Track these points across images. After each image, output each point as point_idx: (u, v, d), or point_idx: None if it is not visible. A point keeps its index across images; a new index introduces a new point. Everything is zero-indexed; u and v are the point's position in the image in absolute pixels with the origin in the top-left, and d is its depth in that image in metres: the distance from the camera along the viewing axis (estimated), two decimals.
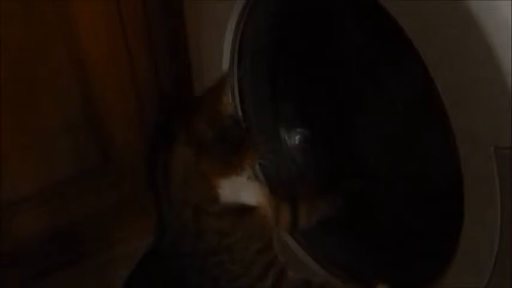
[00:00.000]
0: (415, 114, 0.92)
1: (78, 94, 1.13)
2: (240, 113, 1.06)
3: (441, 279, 0.81)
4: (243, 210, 0.79)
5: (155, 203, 0.81)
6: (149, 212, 1.31)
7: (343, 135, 1.05)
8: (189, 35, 1.12)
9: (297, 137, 1.11)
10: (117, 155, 1.22)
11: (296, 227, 0.93)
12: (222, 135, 0.76)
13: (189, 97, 0.90)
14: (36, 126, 1.12)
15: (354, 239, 1.00)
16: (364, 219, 0.98)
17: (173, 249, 0.79)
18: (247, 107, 1.08)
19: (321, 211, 0.95)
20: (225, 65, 1.04)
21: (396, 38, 0.73)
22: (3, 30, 0.99)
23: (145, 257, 0.86)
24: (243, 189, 0.79)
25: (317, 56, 1.03)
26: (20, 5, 1.00)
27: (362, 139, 1.03)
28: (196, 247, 0.77)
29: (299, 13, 0.99)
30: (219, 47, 1.02)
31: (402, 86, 0.93)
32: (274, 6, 0.99)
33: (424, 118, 0.89)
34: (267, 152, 0.96)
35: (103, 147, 1.20)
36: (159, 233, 0.81)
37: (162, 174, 0.77)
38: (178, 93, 1.22)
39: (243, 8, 0.97)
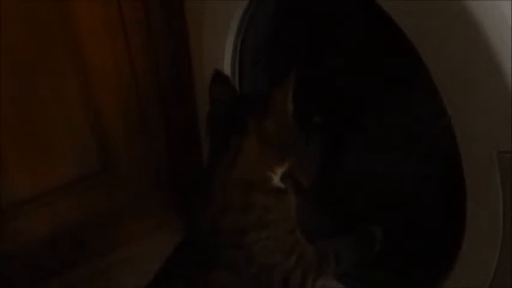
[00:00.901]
0: (416, 117, 0.92)
1: (79, 97, 1.13)
2: None
3: (444, 281, 0.81)
4: (284, 192, 0.88)
5: (202, 185, 0.89)
6: (148, 216, 1.32)
7: (345, 136, 1.05)
8: (190, 36, 1.12)
9: None
10: (117, 158, 1.22)
11: None
12: (285, 133, 0.86)
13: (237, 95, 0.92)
14: (37, 129, 1.11)
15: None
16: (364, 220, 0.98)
17: (212, 227, 0.86)
18: None
19: None
20: (227, 66, 1.03)
21: (397, 41, 0.72)
22: (4, 34, 0.99)
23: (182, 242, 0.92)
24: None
25: (317, 57, 1.03)
26: (21, 8, 1.00)
27: (365, 147, 1.03)
28: (238, 224, 0.85)
29: (301, 15, 0.98)
30: (220, 48, 1.02)
31: (405, 91, 0.93)
32: (277, 8, 0.98)
33: (427, 121, 0.89)
34: None
35: (104, 150, 1.20)
36: (199, 213, 0.88)
37: (230, 159, 0.85)
38: (179, 94, 1.22)
39: (245, 8, 0.97)
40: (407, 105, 0.93)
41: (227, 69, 1.04)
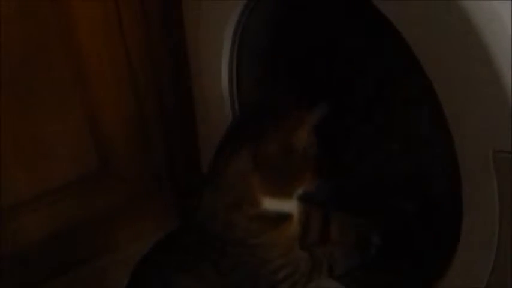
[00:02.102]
0: (414, 115, 0.92)
1: (77, 97, 1.13)
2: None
3: (440, 280, 0.81)
4: (276, 220, 0.83)
5: (202, 182, 0.88)
6: (147, 217, 1.32)
7: (342, 137, 1.05)
8: (188, 36, 1.12)
9: None
10: (116, 159, 1.22)
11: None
12: (287, 162, 0.80)
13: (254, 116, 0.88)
14: (35, 129, 1.11)
15: None
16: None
17: (201, 228, 0.85)
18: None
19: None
20: (224, 66, 1.04)
21: (394, 41, 0.73)
22: (1, 32, 0.99)
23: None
24: (285, 205, 0.84)
25: (316, 56, 1.04)
26: (17, 6, 1.00)
27: (361, 143, 1.03)
28: (221, 235, 0.83)
29: (298, 14, 0.99)
30: (217, 49, 1.02)
31: (401, 88, 0.93)
32: (274, 8, 0.99)
33: (424, 120, 0.89)
34: None
35: (102, 151, 1.20)
36: (195, 208, 0.87)
37: (223, 165, 0.82)
38: (177, 95, 1.22)
39: (243, 8, 0.97)
40: (404, 106, 0.94)
41: (224, 70, 1.05)
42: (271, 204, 0.82)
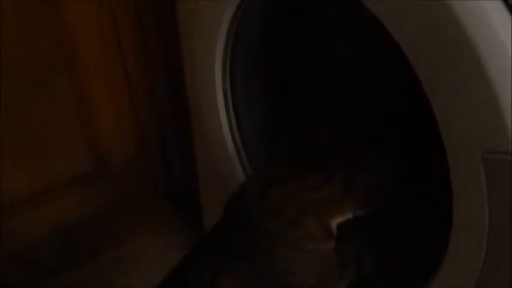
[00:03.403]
0: (402, 115, 0.92)
1: (72, 97, 1.13)
2: (232, 112, 1.07)
3: (429, 283, 0.81)
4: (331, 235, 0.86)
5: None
6: (142, 217, 1.32)
7: (335, 137, 1.05)
8: (182, 38, 1.13)
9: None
10: (110, 160, 1.23)
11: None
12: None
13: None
14: (30, 130, 1.12)
15: None
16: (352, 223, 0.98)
17: (250, 218, 0.85)
18: (241, 109, 1.08)
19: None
20: (218, 70, 1.04)
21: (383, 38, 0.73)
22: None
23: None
24: None
25: (308, 58, 1.04)
26: (13, 7, 1.00)
27: (352, 142, 1.03)
28: (278, 233, 0.84)
29: (290, 17, 0.99)
30: (211, 53, 1.03)
31: (392, 89, 0.93)
32: (265, 10, 0.99)
33: (412, 119, 0.89)
34: None
35: (97, 152, 1.21)
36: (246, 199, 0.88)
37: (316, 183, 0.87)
38: (172, 95, 1.22)
39: (234, 12, 0.98)
40: (394, 105, 0.94)
41: (218, 73, 1.05)
42: (336, 222, 0.87)
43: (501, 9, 0.65)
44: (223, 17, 0.97)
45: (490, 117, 0.66)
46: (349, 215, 0.87)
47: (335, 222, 0.86)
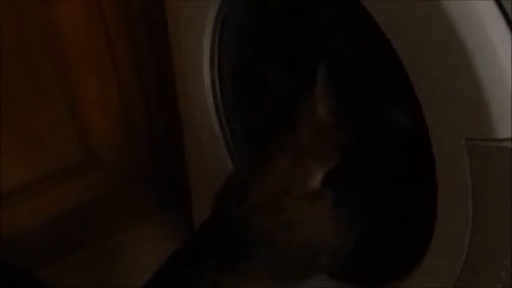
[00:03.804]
0: (388, 105, 0.92)
1: (59, 88, 1.13)
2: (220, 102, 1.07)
3: (410, 275, 0.81)
4: (319, 193, 0.86)
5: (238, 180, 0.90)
6: (131, 208, 1.32)
7: None
8: (170, 34, 1.12)
9: None
10: (99, 151, 1.23)
11: None
12: (322, 139, 0.85)
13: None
14: (18, 121, 1.12)
15: None
16: None
17: (244, 225, 0.86)
18: (229, 105, 1.08)
19: None
20: (206, 67, 1.04)
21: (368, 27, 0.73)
22: None
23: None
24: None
25: (297, 56, 1.03)
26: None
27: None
28: (269, 224, 0.85)
29: (277, 15, 0.99)
30: (199, 46, 1.02)
31: (379, 80, 0.93)
32: (250, 8, 0.99)
33: (397, 109, 0.89)
34: None
35: (85, 143, 1.21)
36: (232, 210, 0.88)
37: (269, 163, 0.86)
38: (160, 87, 1.22)
39: (218, 10, 0.97)
40: (379, 93, 0.94)
41: (206, 63, 1.05)
42: (317, 180, 0.86)
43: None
44: (208, 14, 0.97)
45: (474, 103, 0.66)
46: (321, 170, 0.85)
47: (313, 184, 0.85)
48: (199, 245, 0.91)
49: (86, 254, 1.27)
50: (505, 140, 0.66)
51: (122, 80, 1.18)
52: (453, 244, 0.74)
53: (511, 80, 0.64)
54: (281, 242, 0.84)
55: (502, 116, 0.65)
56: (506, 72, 0.64)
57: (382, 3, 0.70)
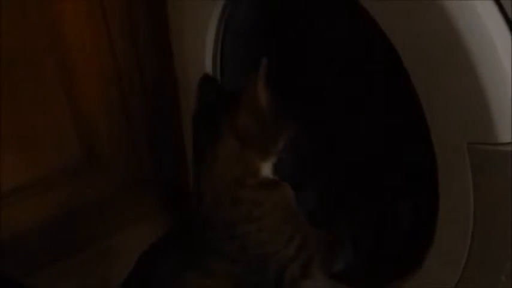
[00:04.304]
0: (391, 111, 0.93)
1: (61, 88, 1.13)
2: None
3: (411, 276, 0.82)
4: (275, 184, 0.87)
5: (194, 180, 0.90)
6: (132, 208, 1.32)
7: (325, 133, 1.06)
8: (172, 35, 1.13)
9: None
10: (100, 151, 1.23)
11: None
12: (263, 125, 0.85)
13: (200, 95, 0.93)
14: (19, 121, 1.11)
15: None
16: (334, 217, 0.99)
17: (205, 221, 0.87)
18: None
19: None
20: (208, 64, 1.04)
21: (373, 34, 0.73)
22: None
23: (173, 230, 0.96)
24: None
25: (299, 56, 1.04)
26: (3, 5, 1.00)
27: (342, 137, 1.04)
28: (229, 218, 0.85)
29: (280, 14, 0.99)
30: (201, 48, 1.03)
31: (382, 84, 0.94)
32: (255, 7, 0.99)
33: (400, 114, 0.90)
34: None
35: (86, 142, 1.20)
36: (194, 206, 0.89)
37: (211, 158, 0.86)
38: (162, 87, 1.22)
39: (223, 8, 0.98)
40: (384, 98, 0.94)
41: (208, 65, 1.05)
42: (267, 168, 0.86)
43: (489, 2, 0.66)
44: (212, 13, 0.97)
45: (476, 108, 0.67)
46: (262, 161, 0.86)
47: (265, 169, 0.86)
48: (166, 245, 0.92)
49: (86, 254, 1.27)
50: (506, 144, 0.67)
51: (123, 80, 1.18)
52: (454, 247, 0.75)
53: (511, 86, 0.65)
54: (241, 234, 0.85)
55: (502, 121, 0.66)
56: (507, 79, 0.65)
57: (386, 9, 0.71)
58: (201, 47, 1.03)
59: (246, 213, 0.85)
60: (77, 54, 1.11)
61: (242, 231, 0.85)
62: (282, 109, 0.87)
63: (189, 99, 1.14)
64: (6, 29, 1.02)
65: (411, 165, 0.89)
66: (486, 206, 0.71)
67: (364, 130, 0.98)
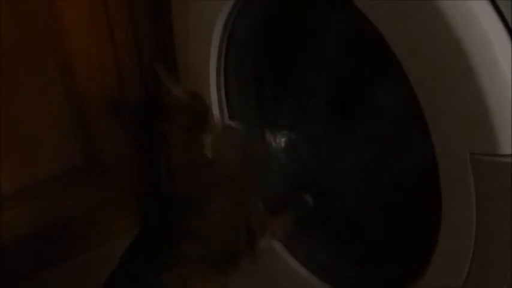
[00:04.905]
0: (395, 120, 0.94)
1: (61, 91, 1.13)
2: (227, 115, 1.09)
3: (418, 280, 0.83)
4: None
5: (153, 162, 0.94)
6: (131, 213, 1.32)
7: (326, 138, 1.07)
8: (176, 36, 1.13)
9: (282, 139, 1.12)
10: (100, 155, 1.22)
11: None
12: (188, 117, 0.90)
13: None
14: (19, 124, 1.11)
15: (332, 239, 1.02)
16: (342, 222, 1.00)
17: (167, 209, 0.91)
18: (234, 109, 1.09)
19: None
20: (212, 68, 1.05)
21: (377, 45, 0.74)
22: None
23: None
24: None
25: (303, 59, 1.04)
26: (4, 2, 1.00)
27: (343, 142, 1.04)
28: (191, 200, 0.90)
29: (286, 17, 1.00)
30: (206, 50, 1.03)
31: (385, 93, 0.95)
32: (262, 9, 1.00)
33: (403, 124, 0.91)
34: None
35: (86, 146, 1.20)
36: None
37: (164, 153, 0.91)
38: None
39: (230, 9, 0.98)
40: (386, 107, 0.95)
41: (212, 69, 1.05)
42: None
43: (490, 11, 0.67)
44: (219, 13, 0.98)
45: (478, 118, 0.68)
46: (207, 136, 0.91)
47: (208, 151, 0.91)
48: (139, 245, 0.95)
49: (88, 257, 1.27)
50: (506, 155, 0.68)
51: (125, 85, 1.18)
52: (456, 256, 0.76)
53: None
54: (210, 211, 0.90)
55: (504, 133, 0.67)
56: (508, 90, 0.66)
57: (392, 24, 0.72)
58: (205, 54, 1.04)
59: (207, 191, 0.90)
60: (79, 56, 1.11)
61: (207, 209, 0.89)
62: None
63: None
64: (6, 32, 1.02)
65: (414, 175, 0.90)
66: (488, 216, 0.72)
67: (364, 138, 0.99)
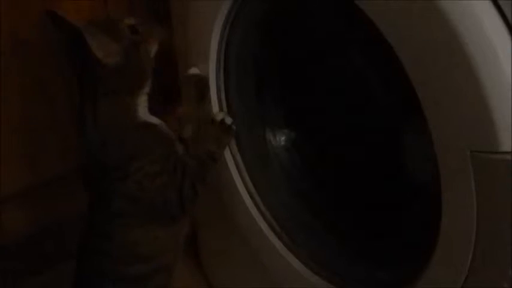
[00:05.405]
0: (395, 117, 0.94)
1: (65, 92, 1.13)
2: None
3: (417, 280, 0.83)
4: (151, 124, 0.98)
5: (81, 130, 0.98)
6: None
7: (325, 135, 1.07)
8: (176, 36, 1.13)
9: (282, 138, 1.12)
10: None
11: None
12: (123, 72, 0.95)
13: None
14: (21, 126, 1.12)
15: (334, 239, 1.02)
16: (341, 219, 1.00)
17: (102, 167, 0.95)
18: (234, 108, 1.09)
19: None
20: (212, 67, 1.05)
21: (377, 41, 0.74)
22: None
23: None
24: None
25: (304, 58, 1.05)
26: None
27: (343, 139, 1.05)
28: (119, 158, 0.94)
29: (286, 15, 1.00)
30: (205, 50, 1.03)
31: (385, 91, 0.95)
32: (261, 8, 1.00)
33: (404, 121, 0.91)
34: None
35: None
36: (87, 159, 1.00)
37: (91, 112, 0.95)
38: (165, 93, 1.22)
39: (229, 9, 0.98)
40: (384, 107, 0.95)
41: (212, 69, 1.06)
42: (142, 109, 0.99)
43: (491, 9, 0.67)
44: (218, 13, 0.98)
45: (479, 116, 0.68)
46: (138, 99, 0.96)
47: (141, 107, 0.98)
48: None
49: None
50: (506, 153, 0.68)
51: None
52: (457, 253, 0.76)
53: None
54: (135, 171, 0.93)
55: (504, 130, 0.67)
56: (508, 87, 0.66)
57: (395, 28, 0.72)
58: (204, 54, 1.04)
59: (133, 151, 0.94)
60: None
61: (134, 168, 0.93)
62: None
63: None
64: (6, 32, 1.03)
65: (413, 173, 0.90)
66: (489, 214, 0.72)
67: (364, 136, 0.99)
